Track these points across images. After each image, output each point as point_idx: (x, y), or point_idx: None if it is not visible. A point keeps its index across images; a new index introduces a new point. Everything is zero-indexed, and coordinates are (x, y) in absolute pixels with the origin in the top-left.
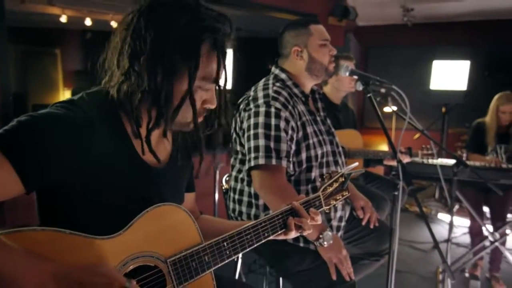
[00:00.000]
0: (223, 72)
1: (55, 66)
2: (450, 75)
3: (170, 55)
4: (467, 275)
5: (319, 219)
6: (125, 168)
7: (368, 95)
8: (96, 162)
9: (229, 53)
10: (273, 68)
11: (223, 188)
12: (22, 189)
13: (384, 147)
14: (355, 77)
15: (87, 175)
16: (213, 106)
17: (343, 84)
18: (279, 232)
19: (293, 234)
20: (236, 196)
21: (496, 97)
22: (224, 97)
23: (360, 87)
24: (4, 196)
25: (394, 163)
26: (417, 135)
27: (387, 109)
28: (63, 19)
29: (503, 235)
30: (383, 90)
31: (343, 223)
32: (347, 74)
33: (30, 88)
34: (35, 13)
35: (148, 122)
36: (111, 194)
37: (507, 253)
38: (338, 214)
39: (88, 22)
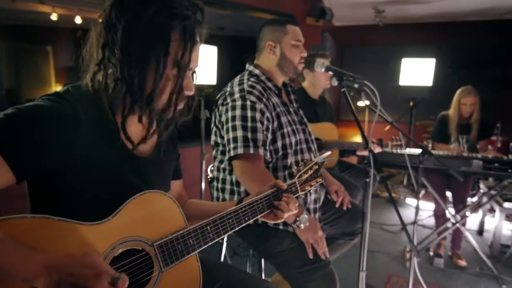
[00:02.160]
0: (196, 59)
1: (47, 63)
2: (417, 72)
3: (140, 43)
4: (431, 253)
5: (293, 208)
6: (111, 157)
7: (342, 89)
8: (83, 152)
9: (214, 50)
10: (247, 65)
11: (209, 177)
12: (13, 179)
13: (358, 139)
14: (331, 73)
15: (74, 165)
16: (191, 93)
17: (320, 80)
18: (264, 213)
19: (284, 215)
20: (219, 185)
21: (458, 91)
22: (179, 83)
23: (335, 83)
24: None
25: (366, 153)
26: (387, 127)
27: (360, 103)
28: (54, 17)
29: (464, 217)
30: (356, 86)
31: (318, 205)
32: (323, 70)
33: (23, 84)
34: (27, 11)
35: (123, 109)
36: (98, 183)
37: (467, 233)
38: (313, 197)
39: (78, 20)
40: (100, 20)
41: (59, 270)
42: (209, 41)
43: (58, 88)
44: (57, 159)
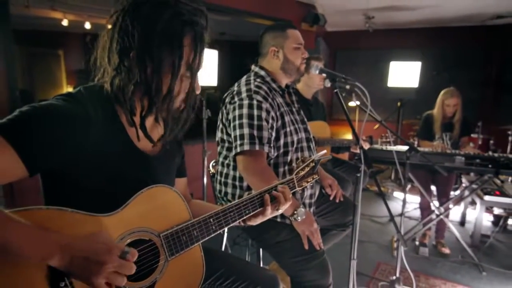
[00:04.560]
0: (196, 60)
1: (59, 65)
2: (404, 74)
3: (157, 48)
4: (417, 243)
5: (288, 199)
6: (120, 154)
7: (335, 90)
8: (93, 149)
9: (215, 53)
10: (253, 66)
11: (210, 172)
12: (26, 172)
13: (349, 136)
14: (324, 75)
15: (85, 162)
16: (198, 91)
17: (314, 81)
18: (257, 210)
19: (269, 212)
20: (222, 179)
21: (442, 92)
22: (192, 84)
23: (328, 84)
24: (11, 178)
25: (358, 150)
26: (376, 126)
27: (351, 103)
28: (65, 23)
29: (447, 209)
30: (348, 87)
31: (313, 200)
32: (317, 72)
33: (36, 85)
34: (39, 17)
35: (141, 110)
36: (108, 179)
37: (450, 224)
38: (309, 192)
39: (87, 25)
40: (110, 26)
41: (72, 248)
42: (210, 45)
43: (69, 89)
44: (68, 156)
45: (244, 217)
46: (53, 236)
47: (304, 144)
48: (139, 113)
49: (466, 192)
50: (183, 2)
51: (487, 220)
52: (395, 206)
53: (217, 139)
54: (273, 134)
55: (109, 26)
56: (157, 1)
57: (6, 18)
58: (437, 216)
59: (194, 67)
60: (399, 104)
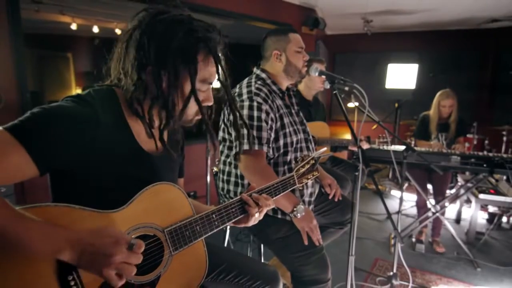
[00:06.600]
0: (221, 73)
1: (68, 68)
2: (402, 76)
3: (172, 64)
4: (413, 240)
5: (270, 203)
6: (127, 156)
7: (334, 92)
8: (101, 151)
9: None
10: (254, 69)
11: (214, 171)
12: (37, 172)
13: (348, 136)
14: (324, 76)
15: (93, 162)
16: (211, 103)
17: (314, 83)
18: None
19: (253, 216)
20: (225, 177)
21: (438, 94)
22: (229, 94)
23: (328, 86)
24: (23, 178)
25: (356, 148)
26: (374, 126)
27: (350, 105)
28: (74, 26)
29: (443, 207)
30: (347, 88)
31: (313, 198)
32: (316, 74)
33: (46, 87)
34: (49, 21)
35: (160, 123)
36: (115, 178)
37: (445, 222)
38: (309, 191)
39: (95, 29)
40: (126, 40)
41: (81, 242)
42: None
43: (77, 90)
44: (76, 156)
45: (247, 213)
46: (63, 231)
47: (303, 144)
48: (158, 126)
49: (462, 191)
50: (197, 20)
51: (482, 217)
52: (392, 204)
53: (219, 138)
54: (272, 135)
55: (125, 40)
56: (172, 19)
57: (18, 22)
58: (433, 214)
59: (210, 80)
60: (396, 105)
